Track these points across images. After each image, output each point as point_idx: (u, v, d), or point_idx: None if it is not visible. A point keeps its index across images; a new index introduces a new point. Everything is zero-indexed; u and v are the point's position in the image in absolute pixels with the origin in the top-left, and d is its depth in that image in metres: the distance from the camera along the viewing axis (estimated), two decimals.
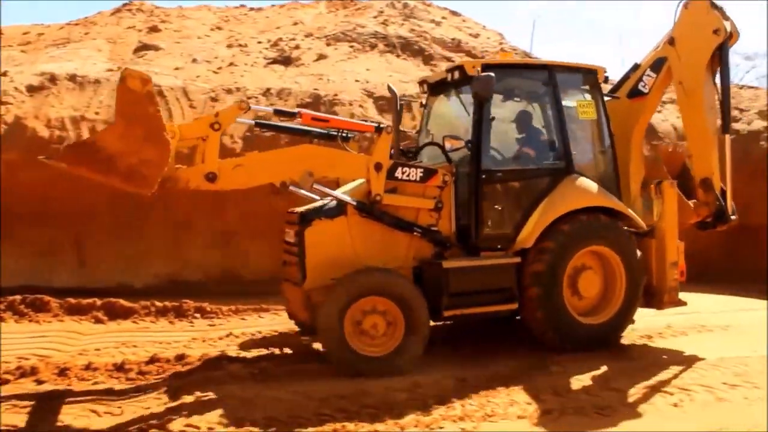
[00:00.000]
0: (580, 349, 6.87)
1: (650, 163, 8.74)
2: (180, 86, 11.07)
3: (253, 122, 7.15)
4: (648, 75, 8.01)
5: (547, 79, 7.32)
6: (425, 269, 6.75)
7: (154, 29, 13.59)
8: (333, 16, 15.06)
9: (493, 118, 7.07)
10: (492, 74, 6.55)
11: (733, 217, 7.99)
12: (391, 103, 11.48)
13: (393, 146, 6.95)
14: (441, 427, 4.99)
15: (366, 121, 7.20)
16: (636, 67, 8.25)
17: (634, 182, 7.88)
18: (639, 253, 7.33)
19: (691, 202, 7.86)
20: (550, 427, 5.06)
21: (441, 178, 6.83)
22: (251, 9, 15.67)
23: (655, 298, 7.49)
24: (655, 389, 5.94)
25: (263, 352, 7.17)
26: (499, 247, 7.02)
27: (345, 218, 6.61)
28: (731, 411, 5.48)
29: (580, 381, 6.08)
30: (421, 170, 6.78)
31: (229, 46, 13.14)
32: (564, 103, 7.35)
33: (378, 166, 6.51)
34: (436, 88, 7.94)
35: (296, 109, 6.82)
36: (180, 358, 6.68)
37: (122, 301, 8.71)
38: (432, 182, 6.81)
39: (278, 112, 6.91)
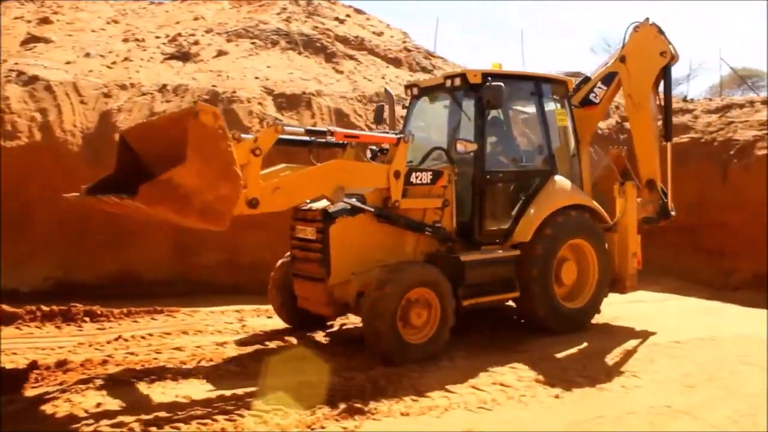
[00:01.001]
0: (566, 331, 7.66)
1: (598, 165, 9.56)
2: (70, 81, 10.63)
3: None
4: (599, 87, 8.84)
5: (534, 89, 8.05)
6: (440, 262, 7.12)
7: (45, 21, 13.00)
8: (235, 12, 14.81)
9: (493, 124, 7.82)
10: (502, 84, 7.14)
11: (672, 214, 9.00)
12: (292, 101, 11.46)
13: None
14: (323, 427, 4.97)
15: (387, 132, 7.75)
16: (587, 79, 9.06)
17: (586, 181, 8.58)
18: (607, 245, 8.22)
19: (637, 200, 8.69)
20: (431, 424, 5.11)
21: (447, 179, 7.34)
22: (151, 3, 15.24)
23: (618, 284, 8.46)
24: (539, 381, 6.11)
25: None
26: (497, 241, 7.68)
27: (364, 215, 6.96)
28: (609, 400, 5.70)
29: (467, 376, 6.16)
30: (431, 173, 7.26)
31: (125, 40, 12.71)
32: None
33: (397, 174, 6.94)
34: (426, 92, 8.42)
35: (327, 128, 6.96)
36: (61, 364, 6.38)
37: (5, 306, 8.28)
38: (439, 183, 7.32)
39: (310, 132, 6.84)
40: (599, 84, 8.86)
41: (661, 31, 8.77)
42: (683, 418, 5.26)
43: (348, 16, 15.46)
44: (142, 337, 7.71)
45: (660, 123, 8.95)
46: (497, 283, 7.41)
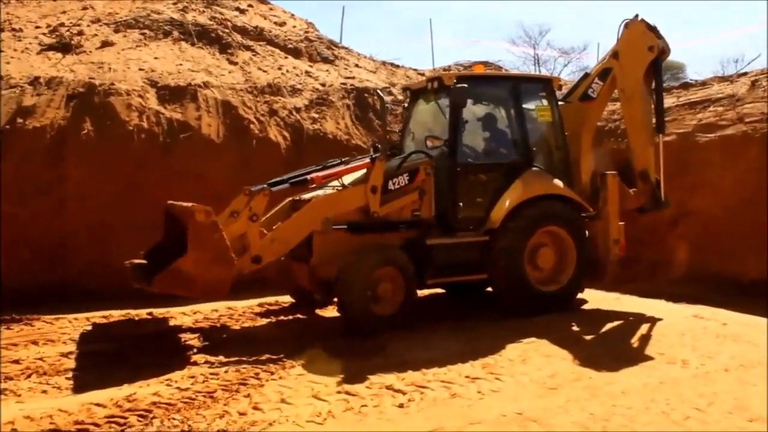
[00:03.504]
0: (538, 314, 7.97)
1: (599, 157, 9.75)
2: None
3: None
4: (596, 82, 9.22)
5: (511, 87, 8.68)
6: (411, 246, 7.90)
7: None
8: (131, 2, 13.99)
9: (467, 121, 8.34)
10: (466, 85, 7.91)
11: (665, 204, 9.16)
12: (176, 93, 10.79)
13: (380, 145, 8.31)
14: None
15: (364, 157, 8.45)
16: (586, 75, 9.59)
17: (584, 173, 9.02)
18: (587, 232, 8.67)
19: (631, 191, 9.08)
20: None
21: (423, 174, 8.06)
22: None
23: (600, 270, 8.86)
24: (390, 388, 5.59)
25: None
26: (471, 227, 8.22)
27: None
28: (458, 408, 5.20)
29: (312, 384, 5.65)
30: (407, 174, 7.99)
31: (0, 29, 11.84)
32: (527, 106, 8.73)
33: (374, 189, 7.71)
34: (417, 94, 9.27)
35: (308, 176, 7.74)
36: None
37: None
38: (417, 179, 8.04)
39: (294, 184, 7.77)
40: (596, 80, 9.24)
41: (650, 27, 9.01)
42: (531, 426, 4.81)
43: (250, 5, 14.78)
44: None
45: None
46: (465, 265, 8.07)
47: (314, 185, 7.76)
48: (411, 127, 9.40)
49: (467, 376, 5.93)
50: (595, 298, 9.26)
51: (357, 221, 7.75)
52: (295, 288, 8.73)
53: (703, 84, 11.44)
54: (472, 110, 8.81)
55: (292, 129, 11.21)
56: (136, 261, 7.42)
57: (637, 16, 9.08)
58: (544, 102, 8.86)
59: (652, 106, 9.06)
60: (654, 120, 9.09)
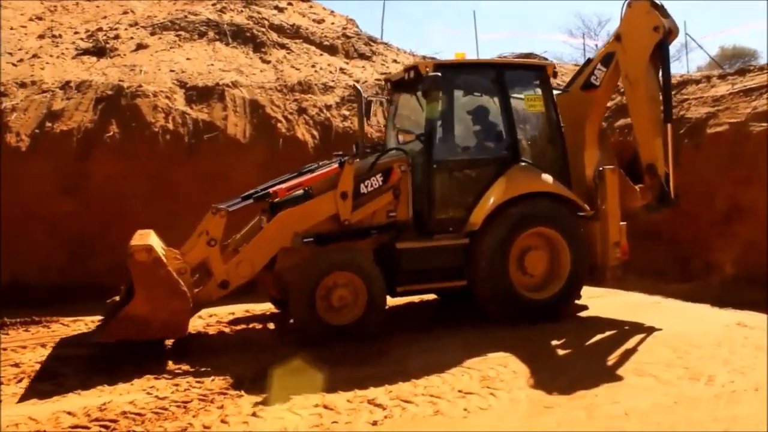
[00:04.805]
0: (526, 322, 7.33)
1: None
2: None
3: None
4: (599, 69, 8.42)
5: (495, 76, 7.88)
6: (382, 250, 7.35)
7: None
8: (171, 4, 14.07)
9: (446, 112, 7.78)
10: (439, 74, 7.22)
11: (675, 200, 8.28)
12: (203, 94, 10.70)
13: (359, 144, 8.00)
14: None
15: (330, 163, 7.84)
16: (589, 61, 8.86)
17: (588, 168, 8.24)
18: (582, 233, 7.86)
19: (638, 187, 8.23)
20: None
21: (398, 172, 7.44)
22: None
23: (598, 275, 8.15)
24: (371, 402, 5.21)
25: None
26: (450, 229, 7.55)
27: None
28: (434, 427, 4.78)
29: (287, 395, 5.33)
30: (381, 174, 7.40)
31: (41, 36, 12.07)
32: (517, 96, 8.03)
33: (344, 195, 7.18)
34: (398, 85, 8.53)
35: (270, 190, 7.41)
36: None
37: None
38: (392, 178, 7.44)
39: (256, 199, 7.36)
40: (599, 66, 8.44)
41: (655, 5, 8.13)
42: None
43: (290, 4, 14.61)
44: None
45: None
46: (441, 270, 7.42)
47: (278, 199, 7.31)
48: (395, 121, 8.71)
49: (460, 390, 5.46)
50: (630, 302, 8.62)
51: (328, 232, 7.23)
52: (270, 296, 8.35)
53: (761, 69, 10.49)
54: (453, 101, 8.09)
55: (321, 127, 10.95)
56: (117, 299, 7.00)
57: None
58: (537, 91, 8.09)
59: (660, 93, 8.05)
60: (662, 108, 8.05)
